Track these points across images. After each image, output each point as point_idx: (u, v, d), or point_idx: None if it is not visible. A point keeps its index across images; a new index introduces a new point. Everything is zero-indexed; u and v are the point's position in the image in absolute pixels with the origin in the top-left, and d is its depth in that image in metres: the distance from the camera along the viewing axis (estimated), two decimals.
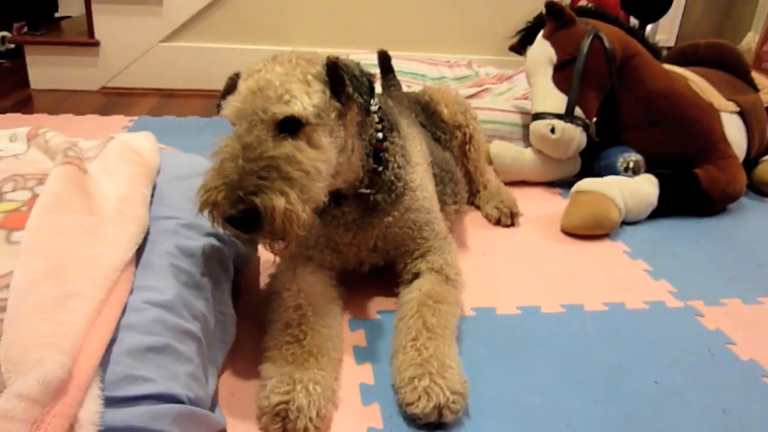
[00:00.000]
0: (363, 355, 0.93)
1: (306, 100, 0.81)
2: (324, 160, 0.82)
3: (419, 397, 0.78)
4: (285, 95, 0.80)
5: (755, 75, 1.82)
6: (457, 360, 0.85)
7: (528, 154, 1.70)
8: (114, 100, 2.31)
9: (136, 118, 2.06)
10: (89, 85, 2.42)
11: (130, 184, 0.88)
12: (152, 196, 0.90)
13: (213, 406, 0.76)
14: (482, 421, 0.82)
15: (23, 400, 0.44)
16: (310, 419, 0.74)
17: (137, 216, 0.79)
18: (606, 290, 1.17)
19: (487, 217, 1.48)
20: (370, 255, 1.06)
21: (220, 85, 2.77)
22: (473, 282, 1.16)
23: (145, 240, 0.77)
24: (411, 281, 1.04)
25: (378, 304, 1.07)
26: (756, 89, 1.78)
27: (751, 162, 1.74)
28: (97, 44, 2.37)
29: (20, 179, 0.89)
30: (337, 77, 0.85)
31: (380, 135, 0.98)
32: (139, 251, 0.75)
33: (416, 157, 1.07)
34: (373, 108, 0.97)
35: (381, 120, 0.99)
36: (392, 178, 1.00)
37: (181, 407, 0.60)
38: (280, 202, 0.72)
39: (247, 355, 0.91)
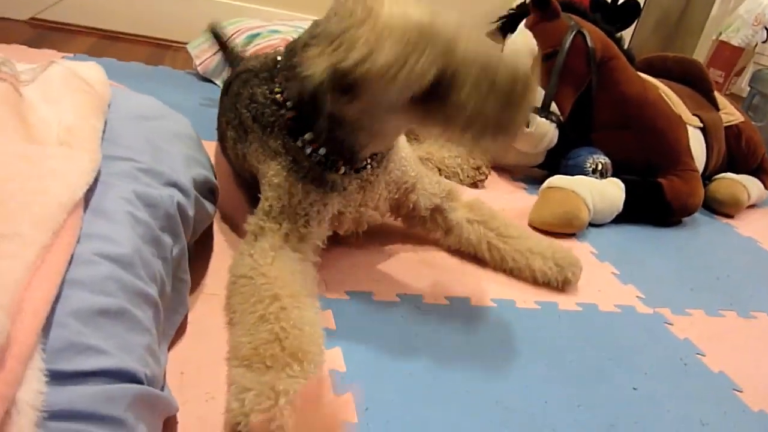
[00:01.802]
0: (332, 338, 0.83)
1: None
2: None
3: None
4: None
5: (716, 95, 1.86)
6: None
7: None
8: (44, 34, 2.06)
9: (71, 55, 1.84)
10: (16, 14, 2.14)
11: (77, 114, 0.73)
12: (103, 132, 0.75)
13: (162, 386, 0.64)
14: (464, 416, 0.74)
15: None
16: None
17: (88, 150, 0.65)
18: (578, 290, 1.13)
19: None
20: (372, 214, 0.99)
21: (169, 33, 2.53)
22: (445, 270, 1.09)
23: (95, 181, 0.63)
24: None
25: (347, 284, 0.97)
26: (717, 108, 1.82)
27: (705, 179, 1.77)
28: None
29: None
30: None
31: None
32: (89, 193, 0.61)
33: None
34: None
35: None
36: None
37: (140, 388, 0.48)
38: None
39: (197, 328, 0.79)
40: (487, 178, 1.55)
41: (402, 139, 1.07)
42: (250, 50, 1.80)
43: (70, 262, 0.51)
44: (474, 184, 1.52)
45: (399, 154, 1.01)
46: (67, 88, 0.79)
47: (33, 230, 0.48)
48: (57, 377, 0.41)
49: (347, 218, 0.96)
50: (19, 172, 0.55)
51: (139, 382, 0.48)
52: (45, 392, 0.38)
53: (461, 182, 1.51)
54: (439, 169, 1.51)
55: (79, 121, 0.70)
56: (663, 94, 1.65)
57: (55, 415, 0.39)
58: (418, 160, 1.10)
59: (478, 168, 1.52)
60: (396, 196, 1.05)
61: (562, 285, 1.09)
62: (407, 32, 0.69)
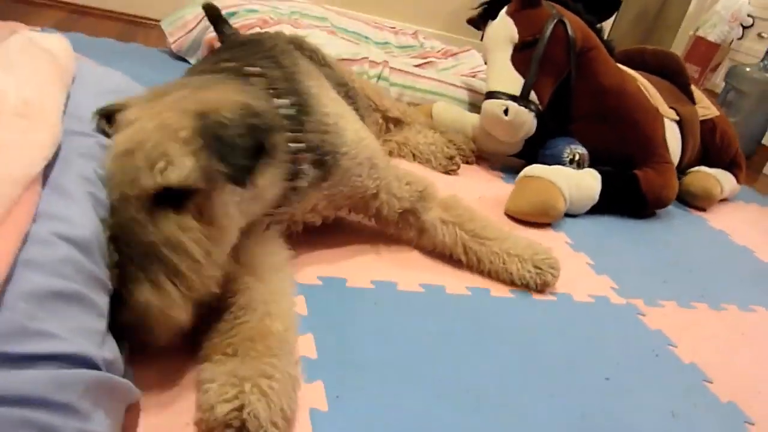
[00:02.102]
0: (303, 325, 0.81)
1: (188, 162, 0.63)
2: (223, 239, 0.67)
3: None
4: (160, 160, 0.62)
5: (693, 88, 1.87)
6: None
7: (470, 117, 1.67)
8: (11, 7, 1.98)
9: (38, 29, 1.76)
10: None
11: (38, 85, 0.69)
12: (66, 105, 0.71)
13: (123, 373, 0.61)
14: (436, 404, 0.73)
15: None
16: (274, 425, 0.59)
17: (48, 124, 0.61)
18: None
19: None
20: (305, 216, 0.95)
21: (140, 9, 2.46)
22: (422, 259, 1.08)
23: (55, 157, 0.60)
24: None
25: (319, 269, 0.95)
26: (693, 102, 1.83)
27: (679, 172, 1.78)
28: None
29: None
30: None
31: (294, 146, 0.83)
32: (48, 170, 0.58)
33: (334, 106, 0.94)
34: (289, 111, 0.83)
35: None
36: (317, 164, 0.88)
37: (95, 374, 0.45)
38: (152, 298, 0.57)
39: None
40: (459, 168, 1.55)
41: (367, 146, 0.98)
42: None
43: (24, 242, 0.48)
44: (447, 172, 1.52)
45: (350, 172, 0.94)
46: (28, 59, 0.74)
47: None
48: (5, 361, 0.39)
49: (278, 218, 0.91)
50: None
51: (95, 367, 0.46)
52: None
53: (434, 169, 1.51)
54: (414, 155, 1.51)
55: (39, 94, 0.66)
56: (641, 86, 1.65)
57: (2, 401, 0.36)
58: (388, 164, 1.02)
59: (451, 158, 1.52)
60: (353, 202, 1.00)
61: (540, 287, 1.05)
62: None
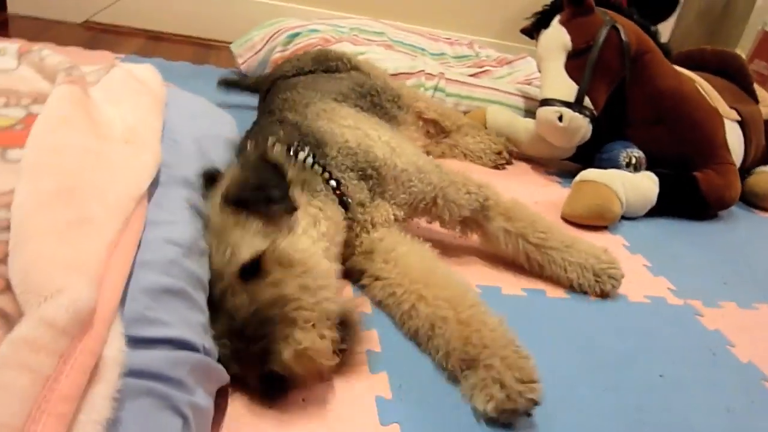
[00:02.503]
0: (368, 321, 0.89)
1: (246, 236, 0.72)
2: (309, 266, 0.73)
3: None
4: (228, 249, 0.70)
5: (757, 87, 1.84)
6: None
7: (522, 121, 1.72)
8: (98, 36, 2.18)
9: (122, 56, 1.94)
10: (72, 17, 2.27)
11: (138, 114, 0.80)
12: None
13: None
14: None
15: (51, 329, 0.38)
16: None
17: (150, 148, 0.72)
18: None
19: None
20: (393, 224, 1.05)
21: (213, 33, 2.63)
22: (478, 261, 1.13)
23: (157, 174, 0.70)
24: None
25: None
26: (756, 101, 1.80)
27: (743, 172, 1.75)
28: None
29: (13, 96, 0.81)
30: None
31: (333, 183, 0.92)
32: (152, 187, 0.68)
33: (351, 132, 1.01)
34: (308, 161, 0.91)
35: (316, 162, 0.92)
36: (364, 177, 0.99)
37: (199, 356, 0.54)
38: (288, 349, 0.63)
39: None
40: (506, 162, 1.65)
41: (404, 152, 1.03)
42: (291, 49, 1.87)
43: (138, 246, 0.58)
44: (496, 167, 1.63)
45: (399, 179, 1.01)
46: (127, 90, 0.86)
47: (107, 216, 0.55)
48: (132, 342, 0.48)
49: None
50: (92, 165, 0.62)
51: (197, 351, 0.54)
52: (125, 351, 0.45)
53: (484, 165, 1.62)
54: (465, 154, 1.62)
55: (140, 122, 0.77)
56: (699, 87, 1.64)
57: (132, 373, 0.46)
58: (439, 170, 1.06)
59: (499, 153, 1.63)
60: (419, 209, 1.06)
61: (599, 295, 1.08)
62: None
